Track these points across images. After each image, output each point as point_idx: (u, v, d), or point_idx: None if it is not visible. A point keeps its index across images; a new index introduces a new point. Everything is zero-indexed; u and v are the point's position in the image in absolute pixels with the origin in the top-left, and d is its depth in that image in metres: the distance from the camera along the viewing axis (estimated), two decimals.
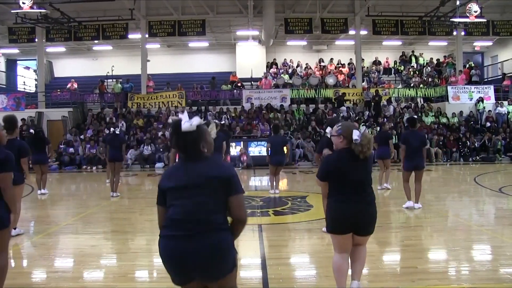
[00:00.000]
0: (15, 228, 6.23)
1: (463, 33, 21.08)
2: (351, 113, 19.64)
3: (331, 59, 24.96)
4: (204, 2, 20.13)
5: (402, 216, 7.44)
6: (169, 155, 15.57)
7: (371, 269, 4.56)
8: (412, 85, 22.56)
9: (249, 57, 25.17)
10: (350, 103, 20.78)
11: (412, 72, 23.87)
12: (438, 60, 25.50)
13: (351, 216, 3.49)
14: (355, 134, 3.46)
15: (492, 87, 20.97)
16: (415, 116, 8.32)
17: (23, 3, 15.85)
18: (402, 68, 24.95)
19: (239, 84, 22.53)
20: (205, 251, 2.36)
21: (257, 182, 13.02)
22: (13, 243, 5.84)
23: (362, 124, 17.97)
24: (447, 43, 25.52)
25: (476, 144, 17.80)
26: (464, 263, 4.85)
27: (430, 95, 21.61)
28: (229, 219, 2.47)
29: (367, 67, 24.84)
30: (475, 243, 5.67)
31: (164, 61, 25.51)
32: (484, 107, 19.83)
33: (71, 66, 25.85)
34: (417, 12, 20.08)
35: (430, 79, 23.19)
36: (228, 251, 2.43)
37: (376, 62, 25.17)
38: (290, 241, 5.94)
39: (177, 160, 6.39)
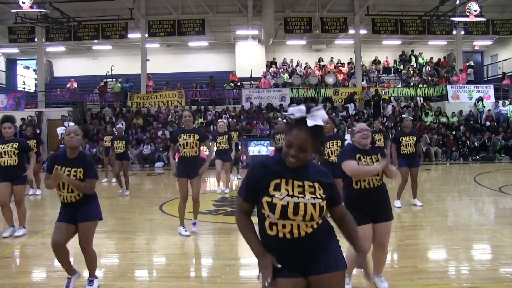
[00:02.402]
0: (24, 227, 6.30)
1: (462, 32, 21.09)
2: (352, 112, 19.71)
3: (331, 58, 24.95)
4: (203, 2, 20.14)
5: (401, 216, 7.44)
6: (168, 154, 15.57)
7: (370, 268, 4.56)
8: (411, 84, 22.56)
9: (248, 57, 25.16)
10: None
11: (411, 72, 23.86)
12: (439, 60, 25.48)
13: None
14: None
15: (492, 86, 20.97)
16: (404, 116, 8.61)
17: (23, 2, 15.87)
18: (401, 67, 24.93)
19: (238, 84, 22.53)
20: None
21: None
22: (12, 243, 5.85)
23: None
24: (446, 42, 25.52)
25: (475, 143, 17.80)
26: (464, 263, 4.85)
27: (430, 94, 21.61)
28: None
29: (366, 67, 24.83)
30: (475, 242, 5.67)
31: (163, 60, 25.50)
32: (484, 107, 19.83)
33: (71, 66, 25.84)
34: (416, 11, 20.10)
35: (429, 78, 23.19)
36: None
37: (376, 62, 25.16)
38: None
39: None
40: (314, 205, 2.23)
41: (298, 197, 2.23)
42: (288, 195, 2.22)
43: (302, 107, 2.23)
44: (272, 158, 2.37)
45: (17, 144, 6.08)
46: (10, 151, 6.00)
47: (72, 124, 4.17)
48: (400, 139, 7.90)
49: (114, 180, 12.06)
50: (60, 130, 4.17)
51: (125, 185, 10.08)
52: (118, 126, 11.22)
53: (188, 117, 6.05)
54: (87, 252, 4.05)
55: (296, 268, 2.28)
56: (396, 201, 7.90)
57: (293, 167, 2.27)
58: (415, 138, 7.90)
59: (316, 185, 2.30)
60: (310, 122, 2.20)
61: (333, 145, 6.31)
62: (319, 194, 2.27)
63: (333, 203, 2.41)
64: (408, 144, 7.82)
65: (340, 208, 2.45)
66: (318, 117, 2.21)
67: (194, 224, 6.29)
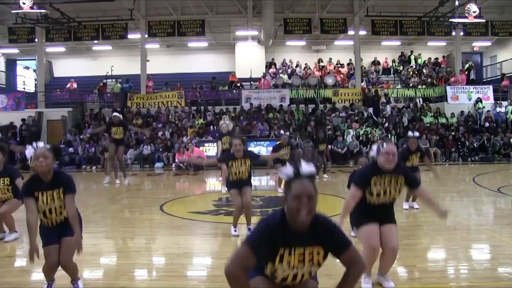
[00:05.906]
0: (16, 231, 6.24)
1: (462, 34, 21.11)
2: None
3: (330, 59, 24.99)
4: (203, 2, 20.17)
5: (400, 216, 7.46)
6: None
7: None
8: (411, 85, 22.59)
9: (248, 57, 25.17)
10: (348, 102, 20.86)
11: (411, 72, 23.90)
12: (436, 59, 25.50)
13: None
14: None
15: (491, 87, 21.00)
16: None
17: (23, 3, 15.87)
18: (401, 68, 24.98)
19: (238, 84, 22.55)
20: None
21: (256, 182, 13.02)
22: (13, 242, 5.87)
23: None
24: (446, 43, 25.53)
25: (475, 144, 17.83)
26: (463, 262, 4.89)
27: (429, 95, 21.64)
28: None
29: (366, 67, 24.86)
30: (474, 242, 5.71)
31: (163, 61, 25.52)
32: (483, 107, 19.86)
33: (71, 66, 25.83)
34: (416, 13, 20.11)
35: (429, 79, 23.22)
36: None
37: (375, 62, 25.19)
38: None
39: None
40: (310, 272, 2.39)
41: (298, 268, 2.32)
42: (289, 268, 2.30)
43: (289, 168, 2.25)
44: (275, 220, 2.28)
45: (8, 178, 5.73)
46: (3, 188, 5.74)
47: (41, 144, 3.86)
48: (409, 157, 7.78)
49: (118, 181, 12.03)
50: (28, 152, 3.88)
51: (122, 171, 10.07)
52: (114, 114, 11.50)
53: (238, 145, 5.79)
54: (69, 268, 3.93)
55: None
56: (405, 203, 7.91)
57: (303, 229, 2.22)
58: (419, 154, 7.89)
59: (315, 250, 2.32)
60: (304, 172, 2.23)
61: None
62: (318, 260, 2.36)
63: (339, 251, 2.37)
64: (413, 160, 7.81)
65: (349, 254, 2.36)
66: (307, 169, 2.24)
67: (249, 229, 5.93)
